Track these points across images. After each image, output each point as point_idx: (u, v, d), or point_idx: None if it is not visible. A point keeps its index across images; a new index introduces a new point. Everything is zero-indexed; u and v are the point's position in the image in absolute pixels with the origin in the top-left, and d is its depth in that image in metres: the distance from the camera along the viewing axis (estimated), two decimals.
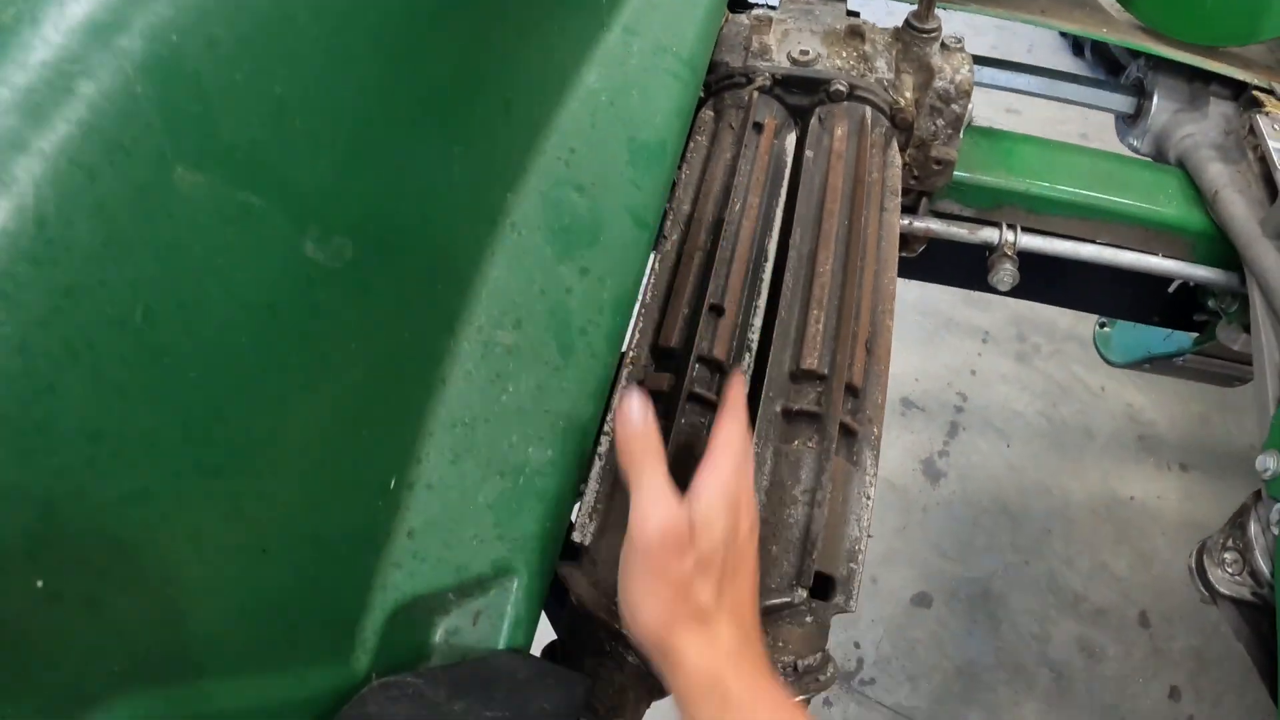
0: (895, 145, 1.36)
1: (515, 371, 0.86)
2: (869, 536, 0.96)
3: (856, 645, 2.62)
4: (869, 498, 0.97)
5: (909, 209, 1.53)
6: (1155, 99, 1.73)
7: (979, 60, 1.75)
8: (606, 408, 0.96)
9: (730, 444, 0.82)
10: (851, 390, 1.00)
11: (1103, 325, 2.40)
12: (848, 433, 0.98)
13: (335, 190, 0.69)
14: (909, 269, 1.65)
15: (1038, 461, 3.02)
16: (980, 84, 1.77)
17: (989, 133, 1.64)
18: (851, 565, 0.93)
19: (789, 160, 1.26)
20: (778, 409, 0.99)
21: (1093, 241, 1.58)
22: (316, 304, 0.68)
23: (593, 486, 0.93)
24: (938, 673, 2.60)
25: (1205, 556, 1.47)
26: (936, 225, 1.54)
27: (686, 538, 0.75)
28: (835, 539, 0.93)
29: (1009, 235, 1.55)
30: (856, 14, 1.56)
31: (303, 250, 0.65)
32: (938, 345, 3.27)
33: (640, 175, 0.95)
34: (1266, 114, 1.56)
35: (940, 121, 1.41)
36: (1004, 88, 1.83)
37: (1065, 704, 2.57)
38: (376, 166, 0.74)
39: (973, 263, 1.63)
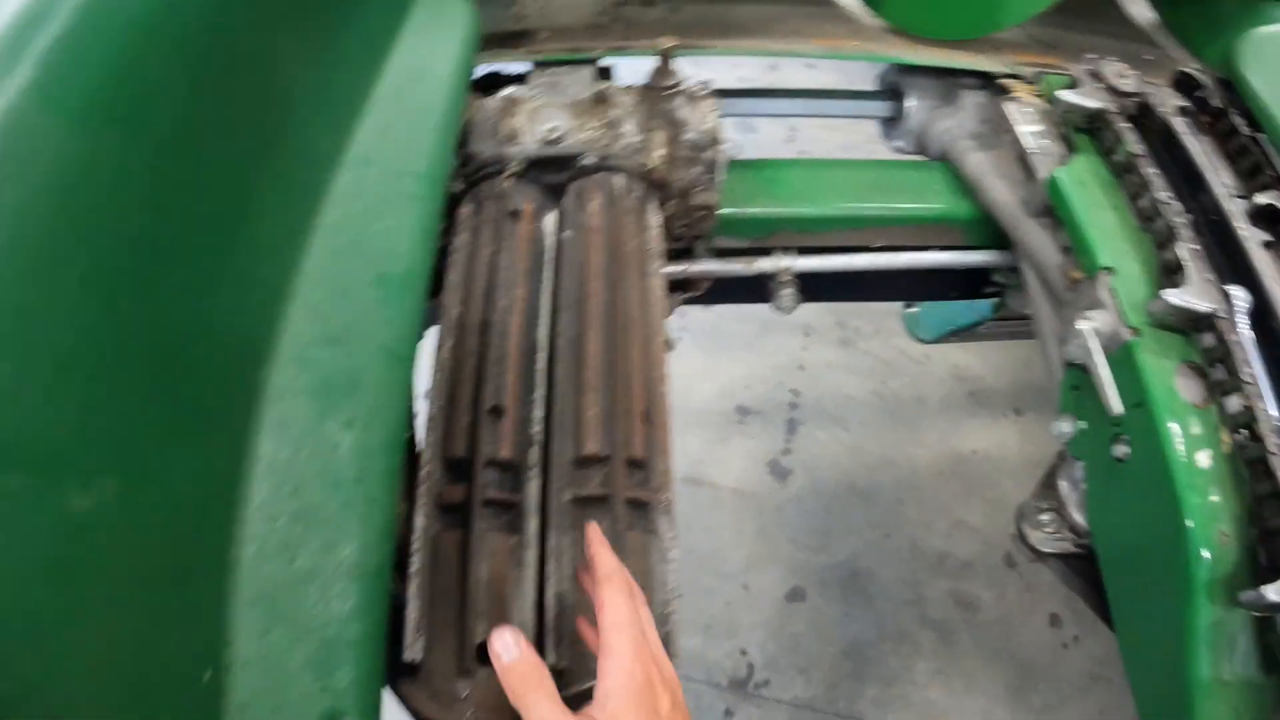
0: (652, 206, 1.40)
1: (302, 536, 0.86)
2: (679, 596, 0.99)
3: (743, 652, 2.64)
4: (671, 560, 1.00)
5: (686, 253, 1.58)
6: (909, 100, 1.80)
7: (737, 94, 1.82)
8: (408, 526, 0.97)
9: (618, 621, 0.79)
10: (636, 464, 1.04)
11: (909, 307, 2.52)
12: (639, 505, 1.02)
13: (83, 432, 0.69)
14: (706, 298, 1.71)
15: (878, 438, 3.11)
16: (742, 114, 1.86)
17: (755, 165, 1.68)
18: (665, 628, 0.96)
19: (550, 242, 1.28)
20: (566, 498, 1.01)
21: (869, 249, 1.64)
22: (93, 546, 0.68)
23: (413, 605, 0.94)
24: (826, 659, 2.65)
25: (1023, 522, 1.57)
26: (715, 265, 1.58)
27: None
28: None
29: (784, 262, 1.61)
30: (608, 71, 1.61)
31: (69, 505, 0.66)
32: (762, 348, 3.32)
33: (392, 310, 0.95)
34: (1015, 99, 1.64)
35: (696, 169, 1.44)
36: (764, 114, 1.91)
37: (955, 656, 2.66)
38: (119, 396, 0.74)
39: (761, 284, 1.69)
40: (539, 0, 1.70)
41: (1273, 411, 1.19)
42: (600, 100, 1.43)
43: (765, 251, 1.64)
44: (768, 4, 1.84)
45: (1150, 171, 1.38)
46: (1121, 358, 1.27)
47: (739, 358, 3.24)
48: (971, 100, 1.74)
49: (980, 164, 1.63)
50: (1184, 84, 1.62)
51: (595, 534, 0.89)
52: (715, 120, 1.44)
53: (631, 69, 1.58)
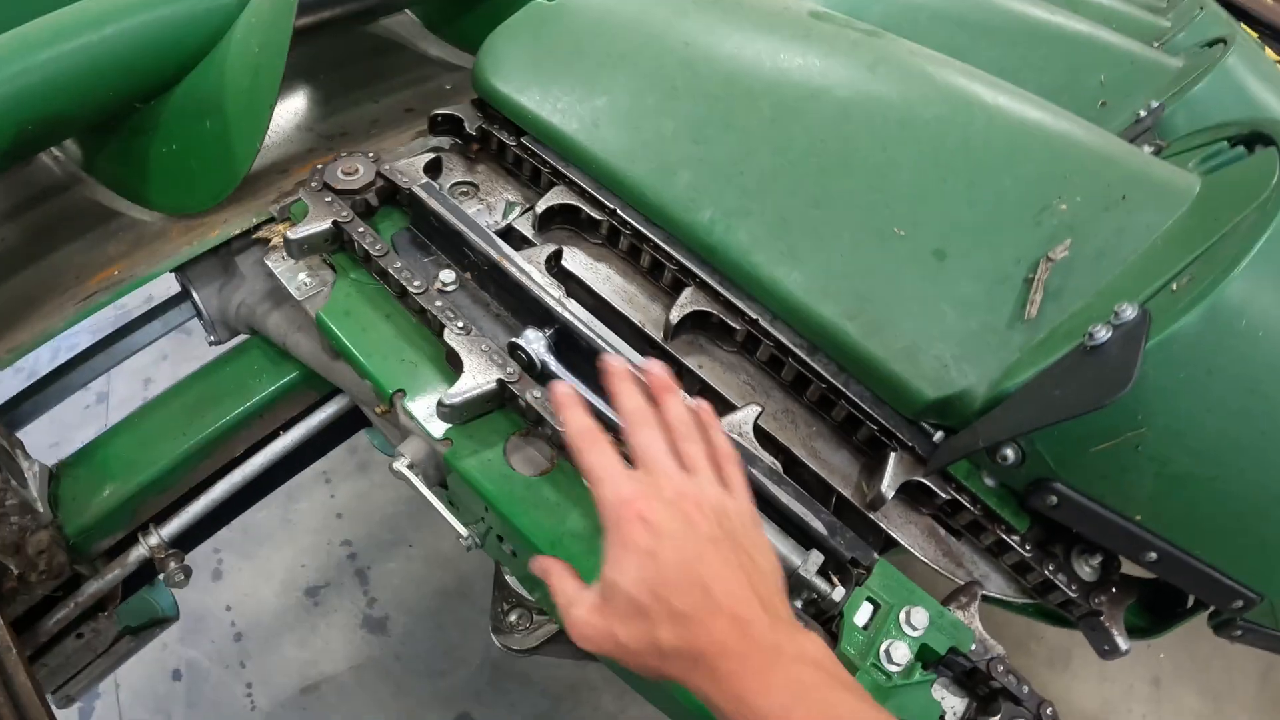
0: None
1: None
2: None
3: None
4: None
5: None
6: (197, 293, 1.60)
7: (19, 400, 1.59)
8: None
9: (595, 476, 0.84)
10: None
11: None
12: None
13: None
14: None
15: (439, 533, 3.00)
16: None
17: (82, 454, 1.47)
18: None
19: None
20: None
21: (225, 470, 1.50)
22: None
23: None
24: None
25: (499, 636, 1.51)
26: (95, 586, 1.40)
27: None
28: None
29: (152, 540, 1.44)
30: None
31: None
32: (296, 520, 3.05)
33: None
34: (275, 249, 1.51)
35: (14, 520, 1.25)
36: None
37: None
38: None
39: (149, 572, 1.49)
40: None
41: (608, 414, 1.15)
42: None
43: (131, 539, 1.46)
44: (39, 258, 1.57)
45: (394, 266, 1.30)
46: (452, 471, 1.20)
47: (281, 543, 2.98)
48: (248, 264, 1.59)
49: (279, 325, 1.50)
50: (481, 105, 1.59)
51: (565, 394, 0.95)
52: None
53: None
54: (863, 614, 1.04)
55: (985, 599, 1.20)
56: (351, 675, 2.69)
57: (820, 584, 1.06)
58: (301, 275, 1.42)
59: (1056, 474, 1.08)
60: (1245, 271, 0.98)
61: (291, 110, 1.93)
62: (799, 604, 1.08)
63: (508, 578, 1.50)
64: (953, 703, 1.08)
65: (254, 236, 1.53)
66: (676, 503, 0.80)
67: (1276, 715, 2.86)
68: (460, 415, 1.19)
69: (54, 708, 1.41)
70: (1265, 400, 1.01)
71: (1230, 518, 1.08)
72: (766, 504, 1.12)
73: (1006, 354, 1.13)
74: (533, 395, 1.16)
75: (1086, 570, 1.22)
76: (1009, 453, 1.09)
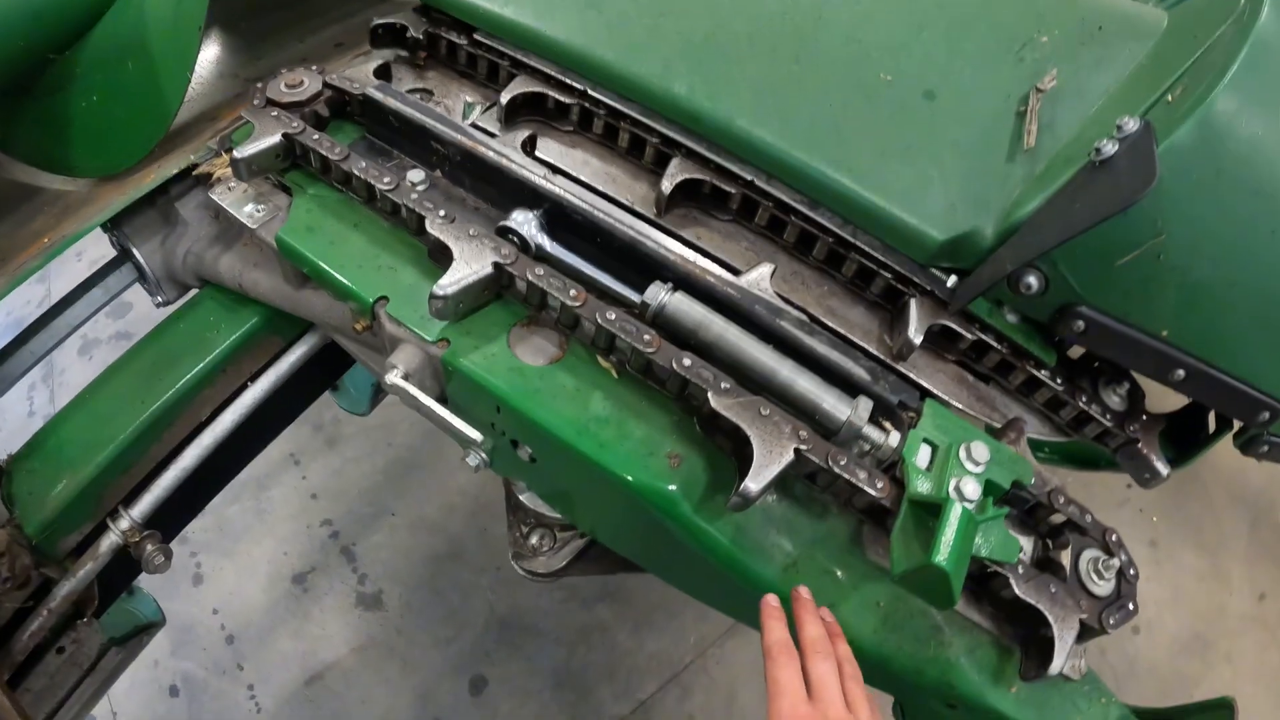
0: None
1: None
2: None
3: None
4: None
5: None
6: (138, 250, 1.44)
7: None
8: None
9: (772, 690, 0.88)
10: None
11: (334, 390, 2.22)
12: None
13: None
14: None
15: (422, 502, 2.84)
16: None
17: (38, 441, 1.33)
18: None
19: None
20: None
21: (193, 436, 1.37)
22: None
23: None
24: (549, 704, 2.47)
25: (520, 561, 1.38)
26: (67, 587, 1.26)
27: None
28: None
29: (122, 524, 1.31)
30: None
31: None
32: (270, 507, 2.85)
33: None
34: (218, 182, 1.33)
35: None
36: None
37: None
38: None
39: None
40: None
41: (617, 289, 1.08)
42: None
43: (101, 529, 1.33)
44: None
45: (359, 167, 1.16)
46: (454, 372, 1.06)
47: (259, 535, 2.80)
48: (190, 209, 1.43)
49: (231, 267, 1.35)
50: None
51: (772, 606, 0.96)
52: None
53: None
54: (922, 457, 0.97)
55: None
56: (354, 658, 2.54)
57: (874, 433, 0.98)
58: (249, 206, 1.27)
59: (1082, 296, 1.04)
60: (1235, 76, 0.96)
61: (211, 59, 1.77)
62: (854, 454, 0.98)
63: (521, 498, 1.37)
64: (1021, 541, 1.00)
65: (195, 174, 1.37)
66: None
67: (1267, 562, 2.87)
68: (455, 308, 1.05)
69: None
70: (1270, 200, 0.98)
71: (1253, 325, 1.03)
72: (802, 356, 1.03)
73: (1009, 188, 1.09)
74: (534, 274, 1.03)
75: (1115, 400, 1.17)
76: (1032, 280, 1.03)
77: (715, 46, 1.23)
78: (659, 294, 1.04)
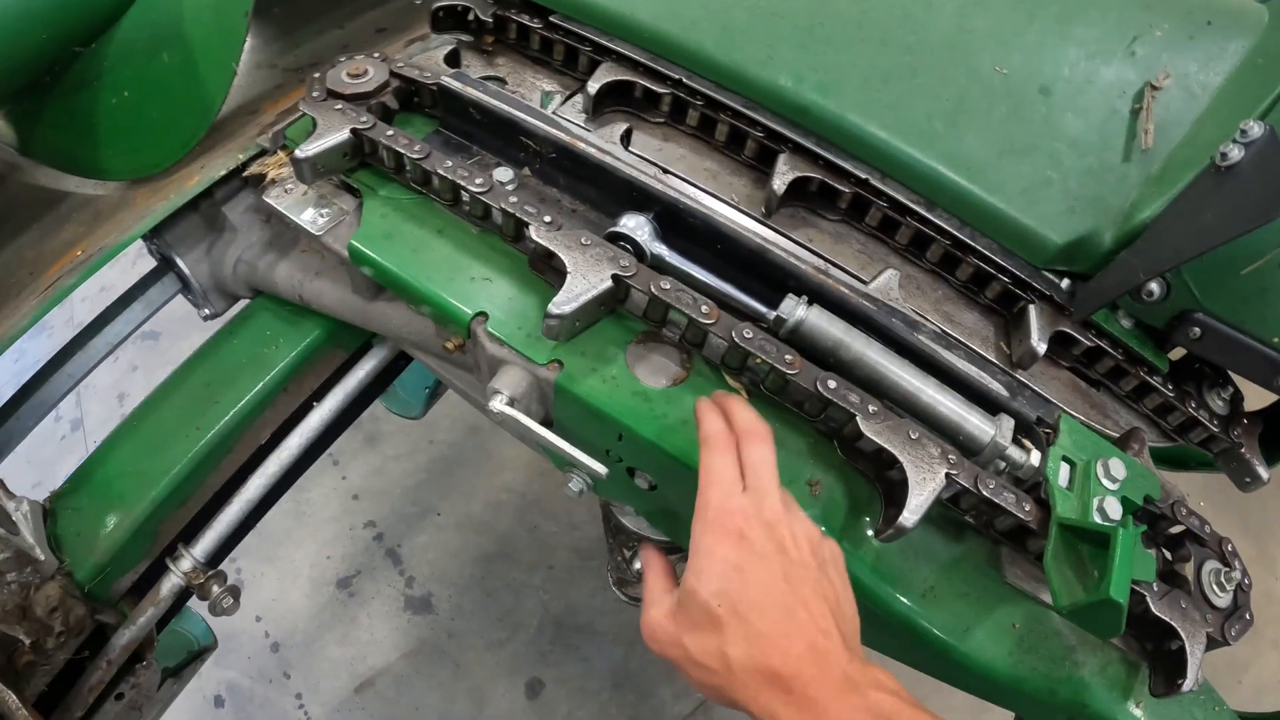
0: None
1: None
2: None
3: None
4: None
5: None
6: (182, 259, 1.30)
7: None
8: None
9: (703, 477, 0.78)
10: None
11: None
12: None
13: None
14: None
15: (470, 498, 2.72)
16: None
17: (79, 483, 1.19)
18: None
19: None
20: None
21: (254, 461, 1.25)
22: None
23: None
24: (608, 704, 2.35)
25: (624, 588, 1.28)
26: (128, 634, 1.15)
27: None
28: None
29: (184, 564, 1.21)
30: None
31: None
32: (311, 513, 2.73)
33: None
34: (272, 184, 1.20)
35: (12, 577, 1.03)
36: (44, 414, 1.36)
37: None
38: None
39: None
40: None
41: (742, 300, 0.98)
42: None
43: (158, 568, 1.21)
44: None
45: (444, 166, 1.02)
46: (569, 398, 0.93)
47: (301, 539, 2.67)
48: (238, 213, 1.29)
49: (290, 276, 1.22)
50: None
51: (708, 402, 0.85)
52: None
53: None
54: (1063, 476, 0.90)
55: None
56: (405, 663, 2.43)
57: (1015, 453, 0.90)
58: (310, 210, 1.14)
59: (1201, 304, 1.00)
60: None
61: (246, 49, 1.62)
62: (998, 478, 0.91)
63: (623, 519, 1.25)
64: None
65: (244, 175, 1.23)
66: (774, 526, 0.76)
67: None
68: (571, 327, 0.92)
69: None
70: None
71: None
72: (939, 371, 0.96)
73: (1127, 189, 1.03)
74: (659, 287, 0.90)
75: (1219, 404, 1.13)
76: (1154, 287, 1.00)
77: (821, 33, 1.12)
78: (795, 309, 0.92)
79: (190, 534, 1.22)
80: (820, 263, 1.03)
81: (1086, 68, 1.10)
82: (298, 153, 1.06)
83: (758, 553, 0.74)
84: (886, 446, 0.87)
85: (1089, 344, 1.05)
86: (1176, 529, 0.99)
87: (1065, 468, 0.90)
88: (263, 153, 1.24)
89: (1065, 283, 1.06)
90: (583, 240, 0.92)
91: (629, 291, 0.94)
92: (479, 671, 2.40)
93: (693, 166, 1.16)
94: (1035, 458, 0.91)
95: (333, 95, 1.12)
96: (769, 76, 1.10)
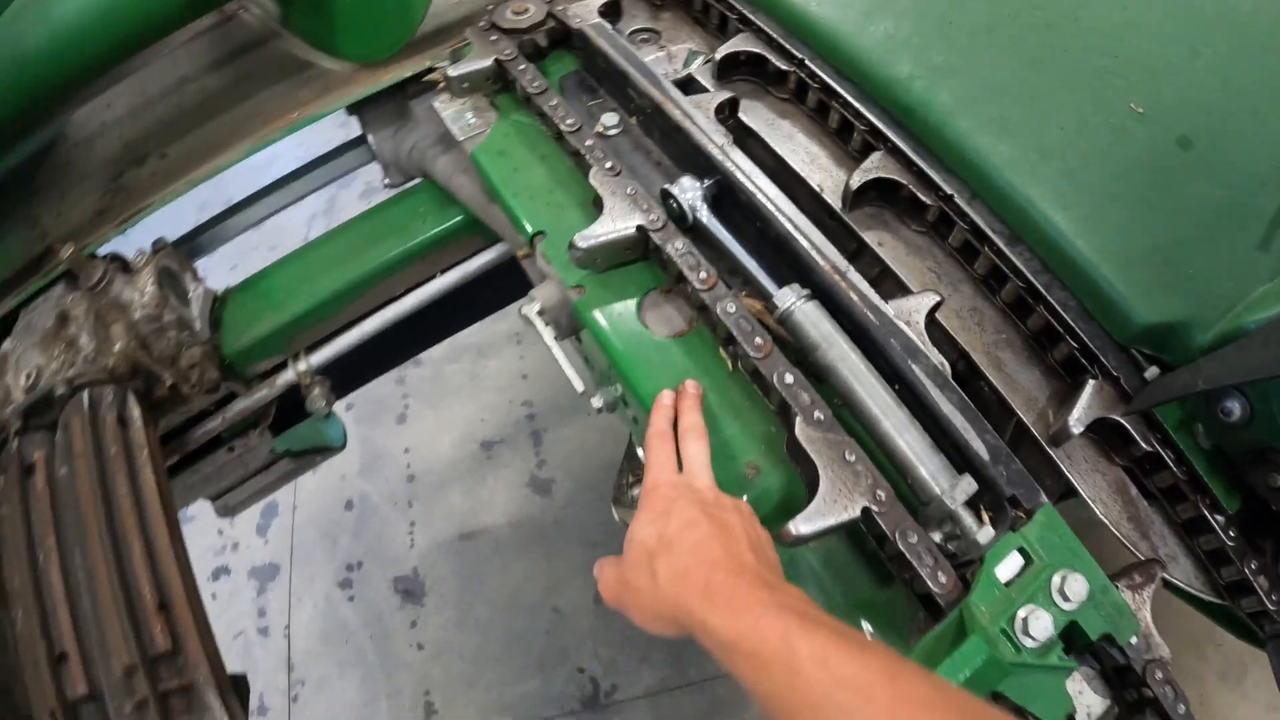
0: (130, 401, 1.18)
1: None
2: None
3: (581, 670, 2.40)
4: None
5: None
6: (371, 136, 1.53)
7: (209, 226, 1.60)
8: None
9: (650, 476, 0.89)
10: (165, 656, 0.94)
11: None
12: (183, 690, 0.93)
13: None
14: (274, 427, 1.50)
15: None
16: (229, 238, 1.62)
17: (250, 283, 1.44)
18: None
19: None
20: (127, 710, 0.91)
21: (380, 308, 1.42)
22: None
23: None
24: (659, 640, 2.43)
25: (619, 507, 1.38)
26: (244, 403, 1.39)
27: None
28: None
29: (300, 365, 1.39)
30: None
31: None
32: (483, 376, 3.01)
33: None
34: (441, 91, 1.37)
35: (168, 337, 1.25)
36: (249, 226, 1.64)
37: None
38: None
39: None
40: (54, 209, 1.44)
41: (760, 280, 1.01)
42: (61, 322, 1.23)
43: (285, 364, 1.42)
44: (240, 102, 1.55)
45: (550, 104, 1.15)
46: (581, 320, 1.05)
47: (466, 397, 2.95)
48: (422, 109, 1.48)
49: (445, 167, 1.39)
50: None
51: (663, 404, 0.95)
52: (154, 288, 1.26)
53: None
54: (1008, 567, 0.81)
55: (1165, 584, 0.93)
56: (509, 531, 2.66)
57: (966, 517, 0.82)
58: (468, 116, 1.30)
59: None
60: None
61: None
62: (937, 538, 0.85)
63: (638, 450, 1.36)
64: (1090, 701, 0.83)
65: (426, 79, 1.41)
66: (702, 493, 0.85)
67: None
68: (593, 260, 1.04)
69: (187, 504, 1.46)
70: None
71: None
72: (924, 410, 0.89)
73: (1250, 281, 0.88)
74: (674, 247, 1.00)
75: None
76: (1234, 406, 0.84)
77: (947, 31, 1.08)
78: (789, 299, 0.96)
79: (315, 347, 1.44)
80: (843, 263, 1.00)
81: (1245, 125, 0.95)
82: (450, 70, 1.23)
83: (684, 501, 0.83)
84: (813, 456, 0.87)
85: (1146, 447, 0.92)
86: (1147, 693, 0.83)
87: (1017, 560, 0.81)
88: (446, 63, 1.41)
89: (1151, 370, 0.92)
90: (628, 190, 1.03)
91: (648, 243, 1.03)
92: (565, 563, 2.58)
93: (799, 147, 1.18)
94: (985, 534, 0.82)
95: (494, 27, 1.28)
96: (884, 70, 1.08)
